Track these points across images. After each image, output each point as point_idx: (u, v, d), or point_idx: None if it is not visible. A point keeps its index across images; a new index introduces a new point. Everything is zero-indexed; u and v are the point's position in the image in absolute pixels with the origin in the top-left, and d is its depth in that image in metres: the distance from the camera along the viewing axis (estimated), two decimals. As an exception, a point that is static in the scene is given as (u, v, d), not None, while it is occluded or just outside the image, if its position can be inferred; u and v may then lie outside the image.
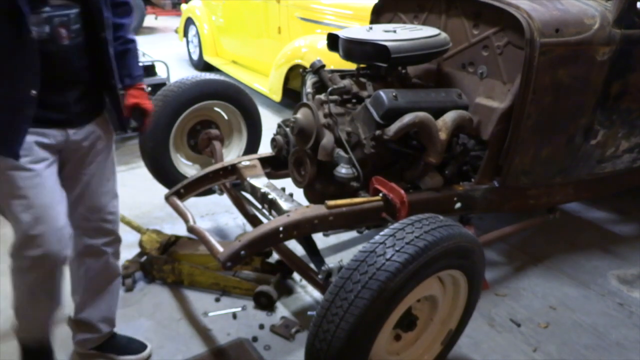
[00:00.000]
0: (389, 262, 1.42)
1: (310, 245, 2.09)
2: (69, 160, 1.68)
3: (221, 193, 2.56)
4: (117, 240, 1.91)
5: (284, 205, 2.01)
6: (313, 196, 2.20)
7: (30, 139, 1.52)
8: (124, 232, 2.72)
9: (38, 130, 1.53)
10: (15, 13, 1.37)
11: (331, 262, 1.92)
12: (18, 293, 1.71)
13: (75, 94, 1.60)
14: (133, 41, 1.79)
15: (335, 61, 2.51)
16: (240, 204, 2.41)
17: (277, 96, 4.66)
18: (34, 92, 1.46)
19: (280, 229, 1.81)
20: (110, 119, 1.80)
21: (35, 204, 1.55)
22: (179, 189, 2.31)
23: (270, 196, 2.08)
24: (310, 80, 2.27)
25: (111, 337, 1.99)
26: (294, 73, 4.46)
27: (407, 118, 1.91)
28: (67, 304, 1.89)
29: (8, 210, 1.56)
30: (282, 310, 2.30)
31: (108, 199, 1.82)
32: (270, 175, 2.34)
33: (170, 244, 2.51)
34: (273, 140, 2.29)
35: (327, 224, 1.89)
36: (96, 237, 1.82)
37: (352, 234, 2.76)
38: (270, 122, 4.09)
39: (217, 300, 2.34)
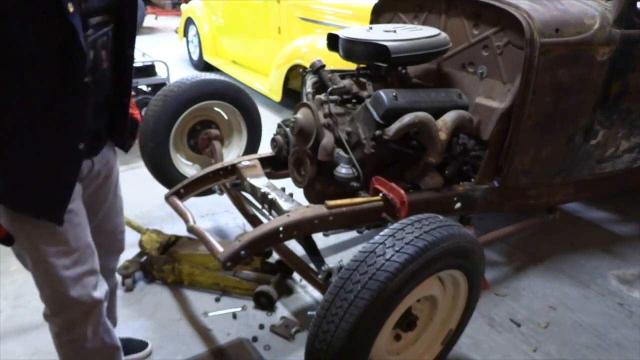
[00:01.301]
0: (388, 262, 1.42)
1: (310, 245, 2.09)
2: (87, 188, 1.50)
3: (221, 193, 2.56)
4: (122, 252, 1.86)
5: (284, 205, 2.01)
6: (313, 196, 2.20)
7: None
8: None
9: None
10: (72, 54, 1.15)
11: (331, 262, 1.92)
12: None
13: (106, 119, 1.47)
14: None
15: (335, 61, 2.51)
16: (240, 204, 2.40)
17: (277, 96, 4.66)
18: (82, 145, 1.27)
19: (280, 229, 1.81)
20: (114, 139, 1.60)
21: (75, 247, 1.38)
22: (179, 189, 2.31)
23: (270, 196, 2.08)
24: (310, 80, 2.27)
25: None
26: (294, 73, 4.46)
27: (407, 118, 1.91)
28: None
29: (39, 262, 1.35)
30: (282, 310, 2.30)
31: (119, 219, 1.74)
32: (270, 175, 2.34)
33: (170, 244, 2.51)
34: (273, 140, 2.29)
35: (327, 224, 1.89)
36: (107, 257, 1.72)
37: (352, 234, 2.76)
38: (270, 122, 4.10)
39: (217, 300, 2.34)
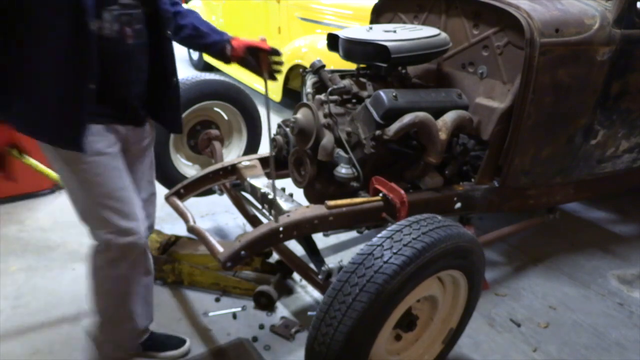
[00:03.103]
0: (386, 264, 1.42)
1: (310, 245, 2.09)
2: (124, 157, 1.71)
3: (221, 193, 2.56)
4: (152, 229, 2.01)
5: (284, 205, 2.01)
6: (313, 196, 2.20)
7: (98, 127, 1.55)
8: (124, 232, 2.74)
9: (104, 124, 1.58)
10: (78, 7, 1.37)
11: (331, 262, 1.92)
12: (108, 298, 1.77)
13: (137, 93, 1.64)
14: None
15: (335, 61, 2.51)
16: (240, 204, 2.40)
17: (277, 96, 4.66)
18: (92, 86, 1.47)
19: (280, 229, 1.81)
20: (166, 118, 1.81)
21: (119, 187, 1.60)
22: (179, 189, 2.31)
23: (270, 196, 2.08)
24: (310, 80, 2.27)
25: (149, 335, 1.98)
26: (294, 73, 4.46)
27: (407, 118, 1.91)
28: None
29: (90, 201, 1.58)
30: (282, 310, 2.30)
31: (151, 201, 1.94)
32: (270, 175, 2.34)
33: (170, 244, 2.51)
34: (273, 140, 2.29)
35: (327, 224, 1.89)
36: None
37: (352, 234, 2.76)
38: (270, 122, 4.09)
39: (217, 300, 2.34)
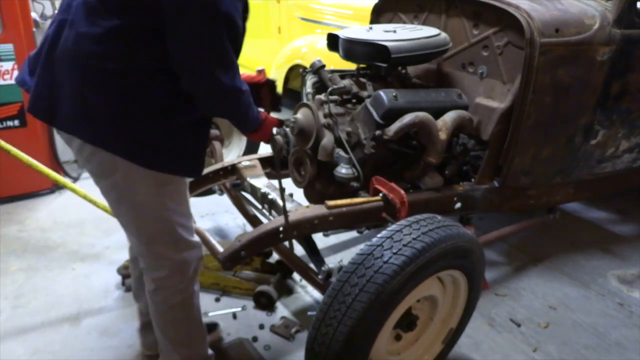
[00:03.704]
0: (386, 264, 1.42)
1: (310, 245, 2.09)
2: None
3: (221, 193, 2.56)
4: None
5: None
6: (313, 196, 2.19)
7: None
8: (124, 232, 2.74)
9: None
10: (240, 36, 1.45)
11: (331, 262, 1.92)
12: (189, 321, 1.70)
13: None
14: None
15: (335, 61, 2.51)
16: (240, 204, 2.40)
17: (276, 96, 4.65)
18: None
19: (280, 229, 1.81)
20: None
21: (188, 203, 1.61)
22: (179, 189, 2.31)
23: (270, 196, 2.08)
24: (310, 80, 2.27)
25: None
26: (294, 73, 4.45)
27: (407, 118, 1.91)
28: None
29: (167, 221, 1.51)
30: (282, 310, 2.30)
31: None
32: (270, 175, 2.34)
33: (170, 244, 2.50)
34: (273, 140, 2.28)
35: (327, 224, 1.89)
36: None
37: (352, 234, 2.76)
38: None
39: (217, 300, 2.35)
